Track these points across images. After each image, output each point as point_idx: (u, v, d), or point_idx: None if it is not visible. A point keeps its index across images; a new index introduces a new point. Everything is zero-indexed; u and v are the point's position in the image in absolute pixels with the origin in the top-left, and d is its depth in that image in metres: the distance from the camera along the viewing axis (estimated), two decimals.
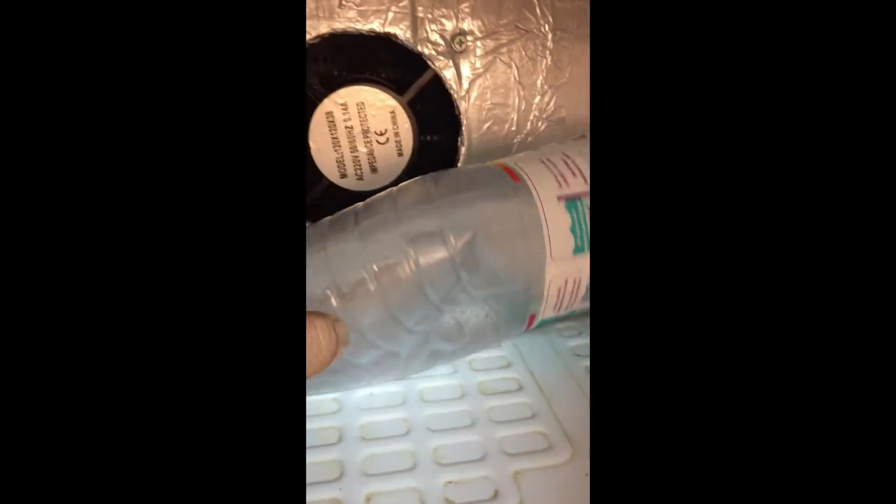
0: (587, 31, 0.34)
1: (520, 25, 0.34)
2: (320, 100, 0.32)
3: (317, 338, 0.21)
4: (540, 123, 0.36)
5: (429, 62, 0.33)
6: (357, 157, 0.34)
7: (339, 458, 0.23)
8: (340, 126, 0.33)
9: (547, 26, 0.34)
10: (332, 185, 0.34)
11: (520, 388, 0.27)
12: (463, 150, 0.35)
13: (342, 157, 0.34)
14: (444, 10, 0.33)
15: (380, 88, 0.33)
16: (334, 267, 0.22)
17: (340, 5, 0.32)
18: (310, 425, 0.24)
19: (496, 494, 0.21)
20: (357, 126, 0.33)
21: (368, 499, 0.21)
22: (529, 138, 0.36)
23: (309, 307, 0.22)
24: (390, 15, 0.32)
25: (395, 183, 0.34)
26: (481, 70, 0.34)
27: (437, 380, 0.27)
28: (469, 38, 0.33)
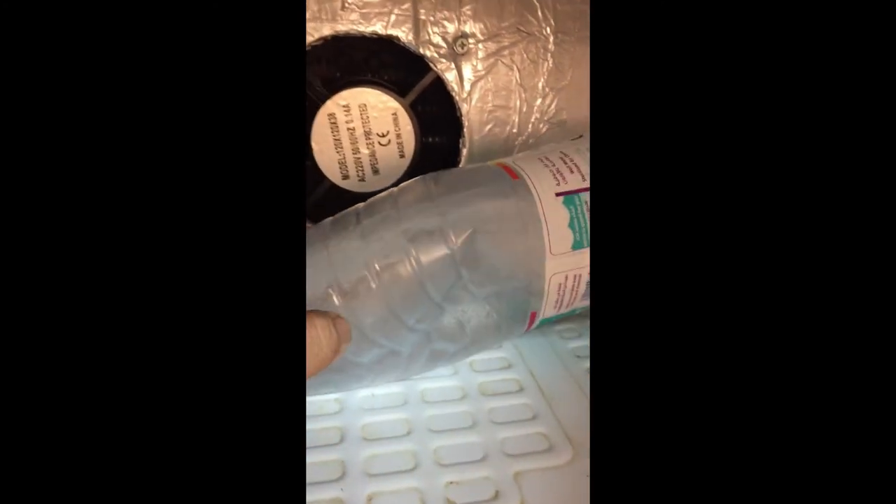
0: (588, 33, 0.34)
1: (521, 28, 0.34)
2: (323, 101, 0.32)
3: (317, 336, 0.21)
4: (541, 125, 0.36)
5: (431, 64, 0.33)
6: (359, 158, 0.34)
7: (340, 458, 0.23)
8: (343, 128, 0.33)
9: (548, 29, 0.34)
10: (334, 186, 0.34)
11: (520, 390, 0.27)
12: (464, 151, 0.35)
13: (344, 158, 0.34)
14: (446, 12, 0.33)
15: (382, 90, 0.33)
16: (336, 265, 0.23)
17: (343, 7, 0.32)
18: (312, 425, 0.24)
19: (497, 495, 0.21)
20: (359, 128, 0.33)
21: (370, 499, 0.21)
22: (531, 140, 0.36)
23: (311, 305, 0.22)
24: (393, 17, 0.32)
25: (396, 184, 0.35)
26: (483, 72, 0.34)
27: (439, 381, 0.27)
28: (471, 40, 0.33)
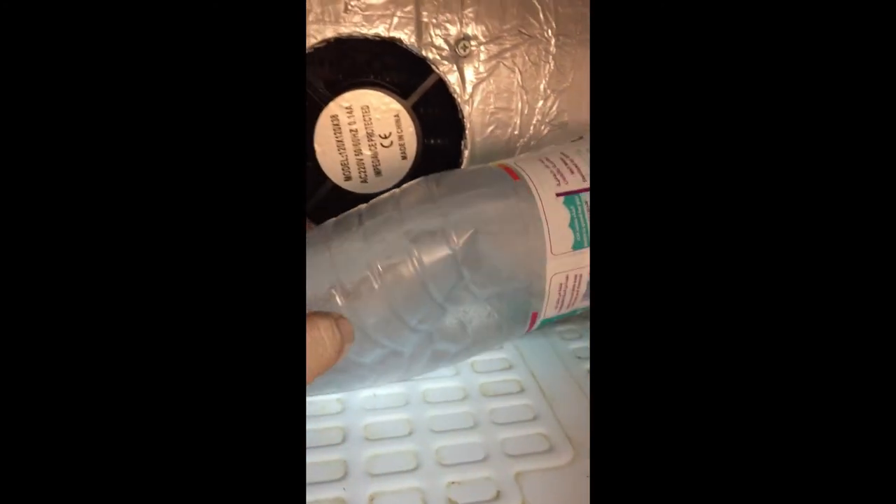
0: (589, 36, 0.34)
1: (523, 31, 0.34)
2: (325, 103, 0.32)
3: (321, 338, 0.21)
4: (543, 127, 0.36)
5: (433, 66, 0.34)
6: (361, 159, 0.34)
7: (342, 458, 0.23)
8: (345, 129, 0.33)
9: (550, 31, 0.34)
10: (336, 187, 0.35)
11: (521, 391, 0.27)
12: (466, 153, 0.36)
13: (347, 159, 0.34)
14: (448, 15, 0.33)
15: (384, 92, 0.33)
16: (339, 266, 0.23)
17: (346, 10, 0.32)
18: (314, 425, 0.24)
19: (498, 495, 0.21)
20: (362, 129, 0.33)
21: (372, 498, 0.21)
22: (532, 142, 0.36)
23: (314, 306, 0.22)
24: (395, 20, 0.32)
25: (398, 186, 0.35)
26: (485, 74, 0.34)
27: (440, 381, 0.27)
28: (473, 42, 0.33)
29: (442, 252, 0.23)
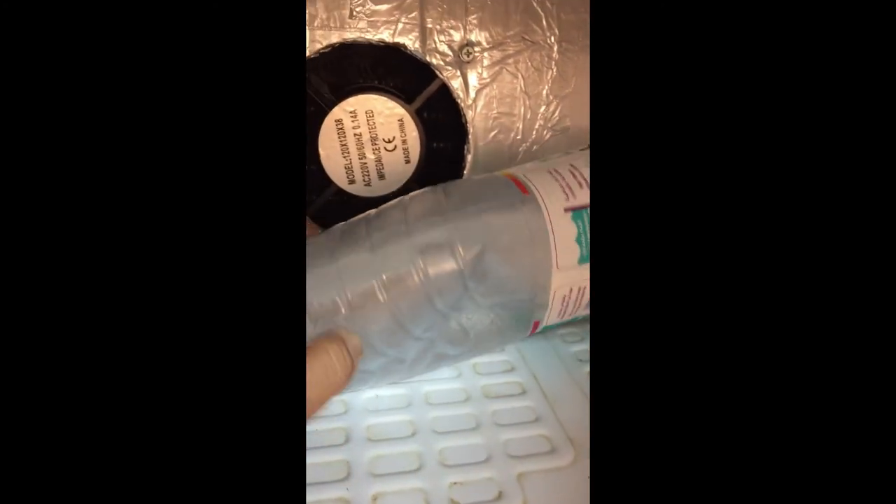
0: None
1: (526, 37, 0.34)
2: (330, 107, 0.33)
3: (332, 364, 0.21)
4: (545, 132, 0.36)
5: (437, 72, 0.34)
6: (365, 163, 0.34)
7: (345, 459, 0.23)
8: (349, 133, 0.34)
9: (553, 38, 0.34)
10: (340, 190, 0.35)
11: (523, 392, 0.27)
12: (469, 157, 0.36)
13: (351, 163, 0.34)
14: (452, 21, 0.33)
15: (388, 97, 0.33)
16: (345, 278, 0.23)
17: (351, 16, 0.32)
18: (317, 426, 0.25)
19: (500, 496, 0.21)
20: (366, 133, 0.34)
21: (375, 498, 0.21)
22: (534, 147, 0.36)
23: (319, 317, 0.22)
24: (400, 26, 0.33)
25: (402, 189, 0.35)
26: (488, 80, 0.35)
27: (442, 383, 0.28)
28: (476, 48, 0.34)
29: (449, 266, 0.23)
